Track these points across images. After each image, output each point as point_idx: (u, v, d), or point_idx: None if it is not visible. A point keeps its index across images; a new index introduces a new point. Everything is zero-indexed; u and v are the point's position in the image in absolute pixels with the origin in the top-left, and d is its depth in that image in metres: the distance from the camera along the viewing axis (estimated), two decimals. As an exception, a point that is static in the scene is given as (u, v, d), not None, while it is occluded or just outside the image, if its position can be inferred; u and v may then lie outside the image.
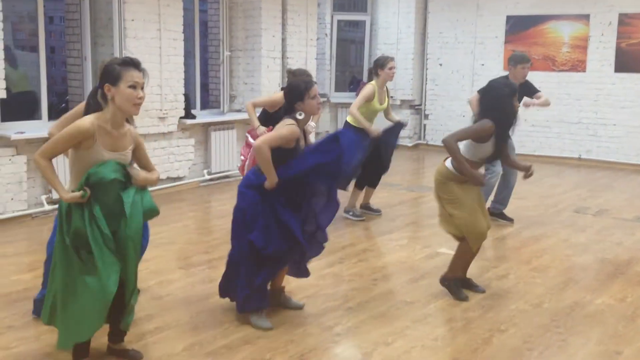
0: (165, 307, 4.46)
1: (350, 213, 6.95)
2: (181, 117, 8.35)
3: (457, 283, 4.74)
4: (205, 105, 9.59)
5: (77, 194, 3.25)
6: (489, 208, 6.90)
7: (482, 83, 12.53)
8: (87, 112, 3.43)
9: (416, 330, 4.21)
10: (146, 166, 3.58)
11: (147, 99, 7.62)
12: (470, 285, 4.88)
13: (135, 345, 3.85)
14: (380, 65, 6.76)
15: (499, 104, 4.43)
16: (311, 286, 4.96)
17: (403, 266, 5.53)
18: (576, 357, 3.88)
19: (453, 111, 12.22)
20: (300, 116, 4.06)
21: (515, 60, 6.74)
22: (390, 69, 6.76)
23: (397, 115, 12.86)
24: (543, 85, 11.25)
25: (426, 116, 12.64)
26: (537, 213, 7.49)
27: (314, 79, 10.46)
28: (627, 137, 10.63)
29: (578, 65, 10.98)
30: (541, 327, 4.27)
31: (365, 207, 7.18)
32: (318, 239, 4.29)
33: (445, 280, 4.77)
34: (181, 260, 5.54)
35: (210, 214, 7.73)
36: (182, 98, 8.33)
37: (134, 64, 3.32)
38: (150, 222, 6.65)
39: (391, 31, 12.46)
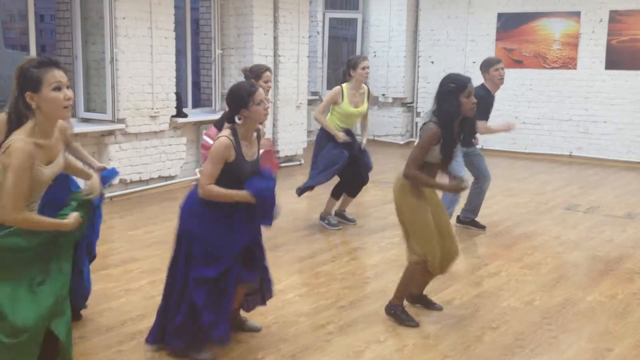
0: (157, 307, 4.44)
1: (326, 221, 6.56)
2: (173, 116, 8.33)
3: (404, 310, 4.34)
4: (196, 104, 9.58)
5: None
6: (458, 216, 6.63)
7: (474, 81, 12.54)
8: (10, 126, 2.94)
9: (408, 329, 4.22)
10: (84, 159, 3.37)
11: (138, 97, 7.82)
12: (428, 303, 4.53)
13: (127, 344, 3.85)
14: (353, 65, 6.29)
15: (441, 100, 4.08)
16: (303, 285, 4.97)
17: (395, 264, 5.53)
18: (567, 354, 3.90)
19: (445, 109, 12.22)
20: (239, 121, 3.65)
21: (486, 66, 6.27)
22: (364, 69, 6.27)
23: (389, 112, 12.86)
24: (534, 83, 11.35)
25: (418, 114, 12.65)
26: (528, 210, 7.52)
27: (307, 77, 10.54)
28: (618, 134, 10.68)
29: (569, 63, 11.02)
30: (532, 325, 4.30)
31: (340, 214, 6.74)
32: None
33: (390, 308, 4.34)
34: (173, 259, 5.53)
35: (203, 213, 7.71)
36: (174, 96, 8.31)
37: (53, 63, 2.90)
38: (142, 222, 6.69)
39: (383, 29, 12.47)
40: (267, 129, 9.72)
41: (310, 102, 11.65)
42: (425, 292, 4.58)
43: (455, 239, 4.36)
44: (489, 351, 3.92)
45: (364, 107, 6.45)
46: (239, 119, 3.64)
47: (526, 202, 7.87)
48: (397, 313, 4.32)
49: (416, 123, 12.65)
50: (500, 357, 3.84)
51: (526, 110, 11.33)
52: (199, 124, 8.83)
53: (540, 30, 11.19)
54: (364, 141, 6.52)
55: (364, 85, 6.43)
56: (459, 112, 4.07)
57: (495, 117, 6.67)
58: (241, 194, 3.61)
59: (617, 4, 10.50)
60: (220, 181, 3.61)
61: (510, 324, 4.32)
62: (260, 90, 3.72)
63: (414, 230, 4.19)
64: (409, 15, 12.34)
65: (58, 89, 2.86)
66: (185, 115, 8.59)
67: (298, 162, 10.27)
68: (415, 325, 4.25)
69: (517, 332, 4.19)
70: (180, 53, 8.56)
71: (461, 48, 12.00)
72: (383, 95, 12.55)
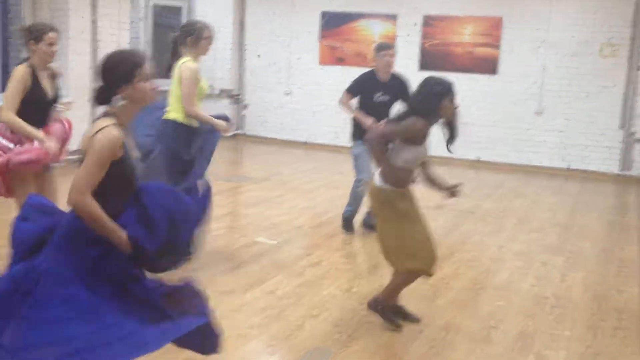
0: None
1: None
2: (-24, 100, 7.60)
3: (390, 309, 4.29)
4: (5, 87, 8.82)
5: None
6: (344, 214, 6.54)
7: (299, 76, 12.75)
8: None
9: (232, 320, 4.21)
10: None
11: None
12: (405, 315, 4.38)
13: None
14: (191, 33, 5.15)
15: (421, 100, 4.06)
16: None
17: (221, 256, 5.51)
18: (382, 338, 4.12)
19: (271, 102, 12.39)
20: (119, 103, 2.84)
21: (376, 49, 6.28)
22: (206, 39, 5.18)
23: (215, 104, 12.72)
24: (355, 80, 11.82)
25: (245, 107, 12.69)
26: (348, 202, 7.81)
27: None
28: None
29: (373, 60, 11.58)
30: (351, 311, 4.48)
31: None
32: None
33: (377, 305, 4.27)
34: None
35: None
36: (-22, 79, 7.60)
37: None
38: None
39: (208, 19, 12.14)
40: (85, 116, 9.22)
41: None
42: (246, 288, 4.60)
43: None
44: (309, 339, 4.03)
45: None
46: (121, 99, 2.80)
47: (346, 194, 8.16)
48: (384, 310, 4.24)
49: (243, 115, 12.67)
50: (320, 344, 3.96)
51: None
52: (7, 110, 8.14)
53: (360, 31, 11.69)
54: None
55: None
56: (436, 114, 4.04)
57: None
58: (120, 237, 2.73)
59: (430, 9, 11.25)
60: (108, 188, 2.75)
61: (330, 311, 4.47)
62: (148, 63, 2.90)
63: (409, 241, 4.09)
64: (235, 8, 12.32)
65: None
66: (-9, 100, 7.88)
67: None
68: (399, 327, 4.21)
69: (336, 318, 4.35)
70: (-15, 32, 7.84)
71: (287, 44, 12.19)
72: (210, 86, 12.40)
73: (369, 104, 6.13)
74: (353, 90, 6.35)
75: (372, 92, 6.18)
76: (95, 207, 2.68)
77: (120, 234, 2.73)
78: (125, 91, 2.81)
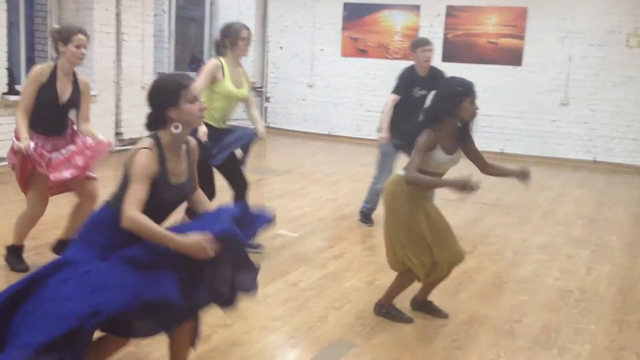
0: None
1: None
2: (4, 93, 7.74)
3: (394, 307, 4.27)
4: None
5: None
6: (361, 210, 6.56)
7: (321, 68, 12.71)
8: None
9: (255, 312, 4.24)
10: None
11: (-36, 72, 7.11)
12: (432, 310, 4.37)
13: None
14: (228, 34, 5.15)
15: (441, 100, 4.03)
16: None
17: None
18: (404, 331, 4.11)
19: (293, 94, 12.40)
20: (176, 130, 2.85)
21: (414, 45, 6.27)
22: (243, 39, 5.17)
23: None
24: (377, 73, 11.79)
25: (267, 99, 12.71)
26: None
27: (153, 57, 10.17)
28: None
29: (409, 54, 11.49)
30: (373, 303, 4.45)
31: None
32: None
33: (382, 308, 4.27)
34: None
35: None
36: (5, 72, 7.74)
37: None
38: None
39: (232, 11, 12.34)
40: (110, 109, 9.32)
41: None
42: (291, 278, 4.62)
43: (456, 239, 4.29)
44: (331, 331, 4.04)
45: (245, 89, 5.30)
46: (176, 127, 2.84)
47: (364, 188, 8.15)
48: (389, 312, 4.25)
49: (265, 108, 12.70)
50: (342, 336, 3.97)
51: (370, 99, 11.73)
52: (33, 103, 8.26)
53: (383, 22, 11.63)
54: (261, 129, 5.41)
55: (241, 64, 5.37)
56: (452, 114, 3.98)
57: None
58: (180, 241, 2.68)
59: (453, 0, 11.16)
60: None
61: (353, 303, 4.48)
62: (195, 85, 2.94)
63: (409, 240, 4.05)
64: (258, 0, 12.34)
65: None
66: (17, 93, 8.02)
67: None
68: (410, 320, 4.21)
69: (359, 311, 4.35)
70: (13, 26, 7.96)
71: (309, 35, 12.18)
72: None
73: (407, 99, 6.13)
74: (401, 91, 6.20)
75: (412, 87, 6.20)
76: (143, 219, 2.68)
77: (182, 239, 2.68)
78: (173, 114, 2.83)
